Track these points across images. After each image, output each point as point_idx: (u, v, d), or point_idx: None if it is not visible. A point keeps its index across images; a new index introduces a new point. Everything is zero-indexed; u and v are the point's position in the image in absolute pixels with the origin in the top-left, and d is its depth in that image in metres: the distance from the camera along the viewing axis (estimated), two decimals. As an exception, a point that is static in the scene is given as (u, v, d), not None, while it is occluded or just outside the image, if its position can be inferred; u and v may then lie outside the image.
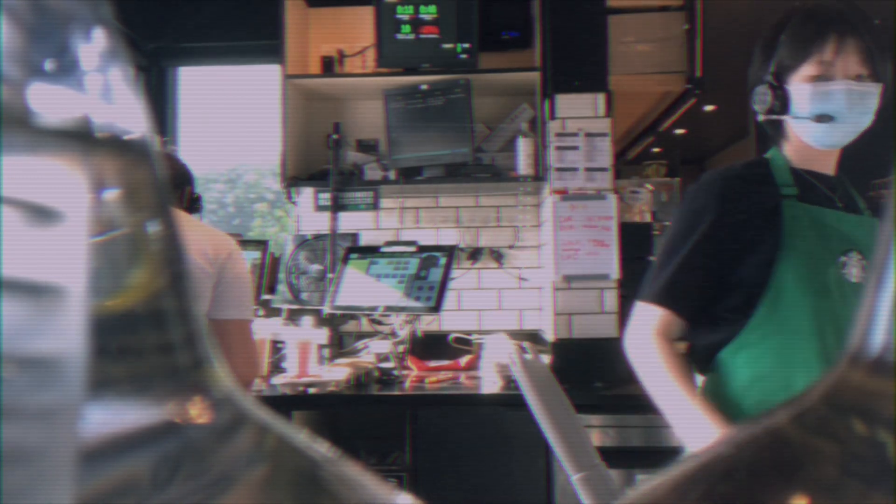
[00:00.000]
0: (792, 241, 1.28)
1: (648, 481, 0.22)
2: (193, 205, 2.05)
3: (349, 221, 2.96)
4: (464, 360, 2.66)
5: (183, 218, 1.79)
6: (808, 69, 1.29)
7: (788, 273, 1.26)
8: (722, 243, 1.31)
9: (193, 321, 0.19)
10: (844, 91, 1.26)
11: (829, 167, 1.37)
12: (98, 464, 0.15)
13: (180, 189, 1.97)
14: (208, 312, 1.73)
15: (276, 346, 2.62)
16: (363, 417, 2.63)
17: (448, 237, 3.01)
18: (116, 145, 0.17)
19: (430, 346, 2.78)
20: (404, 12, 2.75)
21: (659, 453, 2.18)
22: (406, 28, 2.74)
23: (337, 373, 2.32)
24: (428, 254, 2.58)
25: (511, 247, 3.00)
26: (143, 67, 3.28)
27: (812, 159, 1.35)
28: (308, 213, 3.02)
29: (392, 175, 2.88)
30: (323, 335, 2.49)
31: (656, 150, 6.78)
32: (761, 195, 1.32)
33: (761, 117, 1.37)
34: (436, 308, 2.42)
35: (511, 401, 2.18)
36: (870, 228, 1.31)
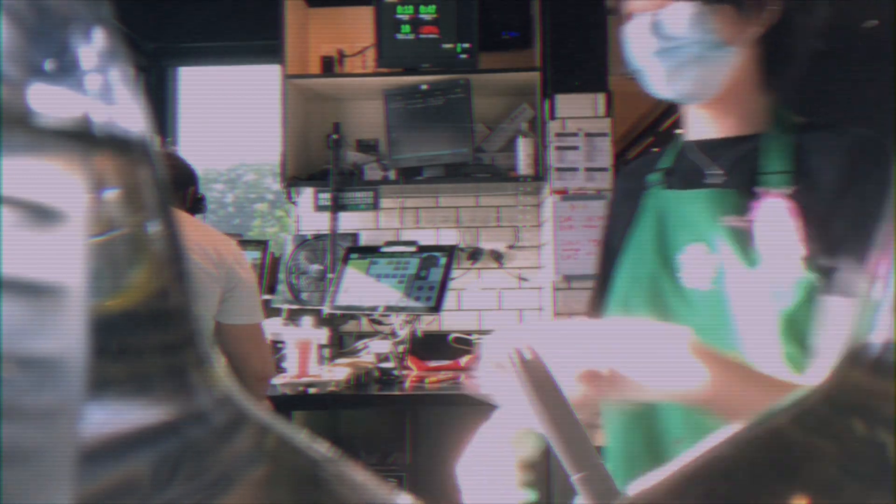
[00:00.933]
0: (630, 246, 1.01)
1: (648, 481, 0.22)
2: (197, 205, 2.05)
3: (349, 221, 2.96)
4: (464, 360, 2.66)
5: (184, 218, 1.80)
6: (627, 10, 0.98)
7: (616, 285, 1.01)
8: (605, 249, 1.11)
9: (193, 321, 0.19)
10: (635, 28, 0.93)
11: (725, 127, 0.97)
12: (98, 464, 0.15)
13: (184, 189, 1.97)
14: (219, 316, 1.76)
15: (276, 346, 2.62)
16: (363, 417, 2.63)
17: (448, 237, 3.01)
18: (116, 145, 0.17)
19: (430, 346, 2.78)
20: (404, 12, 2.75)
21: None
22: (406, 28, 2.74)
23: (337, 373, 2.32)
24: (428, 254, 2.57)
25: (511, 247, 3.00)
26: (143, 67, 3.28)
27: (698, 121, 1.00)
28: (308, 213, 3.02)
29: (392, 175, 2.88)
30: (323, 335, 2.49)
31: (656, 150, 6.78)
32: (637, 188, 1.06)
33: None
34: (436, 308, 2.42)
35: (511, 401, 2.18)
36: (728, 206, 0.91)
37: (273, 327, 2.60)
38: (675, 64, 0.92)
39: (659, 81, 0.94)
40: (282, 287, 2.93)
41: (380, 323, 2.84)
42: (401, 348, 2.58)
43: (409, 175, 2.82)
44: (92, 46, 0.16)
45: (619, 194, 1.13)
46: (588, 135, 2.59)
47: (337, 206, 2.77)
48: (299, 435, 0.21)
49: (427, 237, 2.98)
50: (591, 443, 0.52)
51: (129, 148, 0.17)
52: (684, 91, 0.94)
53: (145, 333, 0.17)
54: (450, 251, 2.55)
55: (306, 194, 3.01)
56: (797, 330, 0.83)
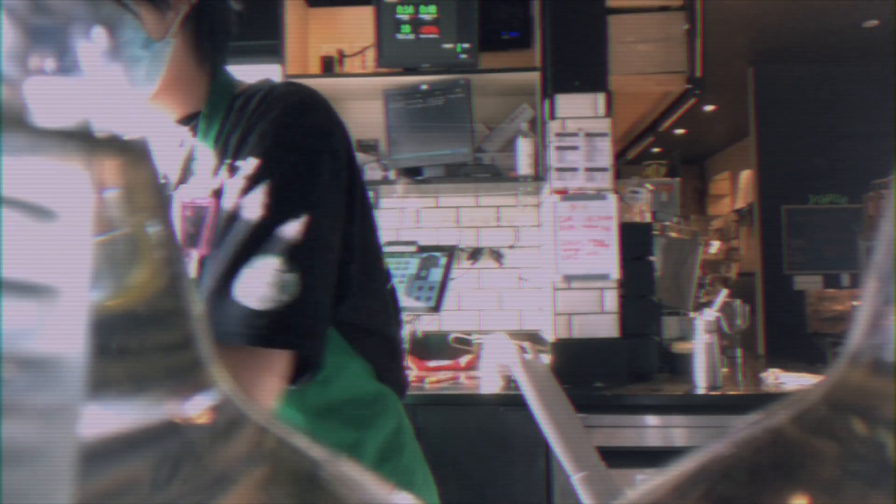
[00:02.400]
0: None
1: (648, 481, 0.22)
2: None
3: (349, 221, 2.96)
4: (464, 360, 2.66)
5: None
6: None
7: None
8: None
9: (193, 321, 0.19)
10: None
11: (175, 113, 0.95)
12: (98, 464, 0.15)
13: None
14: None
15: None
16: (363, 417, 2.63)
17: (448, 237, 3.01)
18: (116, 145, 0.17)
19: (430, 346, 2.78)
20: (404, 12, 2.75)
21: (659, 453, 2.18)
22: (406, 28, 2.74)
23: (337, 373, 2.31)
24: (428, 254, 2.57)
25: (511, 247, 3.00)
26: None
27: (153, 114, 0.96)
28: (308, 213, 3.02)
29: (392, 175, 2.88)
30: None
31: (656, 150, 6.79)
32: None
33: None
34: (436, 308, 2.42)
35: (511, 401, 2.18)
36: None
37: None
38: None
39: None
40: (282, 287, 2.92)
41: (380, 323, 2.84)
42: (401, 348, 2.58)
43: (409, 175, 2.82)
44: (92, 46, 0.16)
45: None
46: (588, 135, 2.59)
47: (337, 206, 2.76)
48: (299, 435, 0.21)
49: (427, 237, 2.98)
50: (591, 443, 0.52)
51: (129, 148, 0.17)
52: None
53: (145, 333, 0.17)
54: (450, 251, 2.55)
55: (306, 194, 3.00)
56: None
